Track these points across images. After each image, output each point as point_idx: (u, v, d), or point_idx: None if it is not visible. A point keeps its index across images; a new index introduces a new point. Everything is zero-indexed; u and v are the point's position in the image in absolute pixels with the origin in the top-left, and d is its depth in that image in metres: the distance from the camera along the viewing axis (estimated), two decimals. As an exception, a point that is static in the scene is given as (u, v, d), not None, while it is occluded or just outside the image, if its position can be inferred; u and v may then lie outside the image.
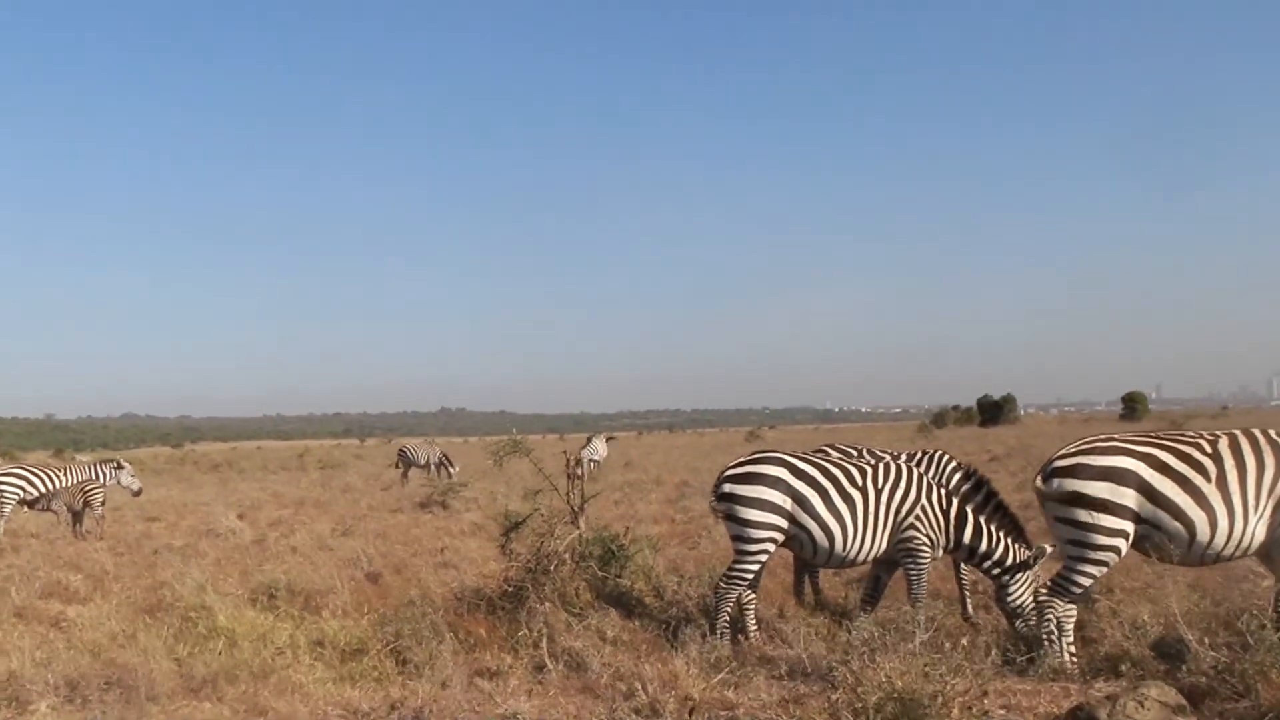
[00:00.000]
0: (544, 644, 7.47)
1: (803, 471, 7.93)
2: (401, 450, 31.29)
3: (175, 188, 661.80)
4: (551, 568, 8.58)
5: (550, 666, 7.18)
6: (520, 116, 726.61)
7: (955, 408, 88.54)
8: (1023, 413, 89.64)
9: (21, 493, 18.86)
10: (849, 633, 7.43)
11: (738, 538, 7.95)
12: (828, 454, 9.15)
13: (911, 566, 7.98)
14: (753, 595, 8.08)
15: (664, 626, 8.26)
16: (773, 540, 7.89)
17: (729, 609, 7.92)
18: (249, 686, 6.51)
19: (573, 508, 9.15)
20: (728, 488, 7.99)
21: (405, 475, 30.12)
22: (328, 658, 8.18)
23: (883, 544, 7.98)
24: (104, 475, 20.15)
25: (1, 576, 12.96)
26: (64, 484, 19.29)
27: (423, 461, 30.58)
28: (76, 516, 18.59)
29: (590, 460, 28.67)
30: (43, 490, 18.93)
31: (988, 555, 8.02)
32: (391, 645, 8.11)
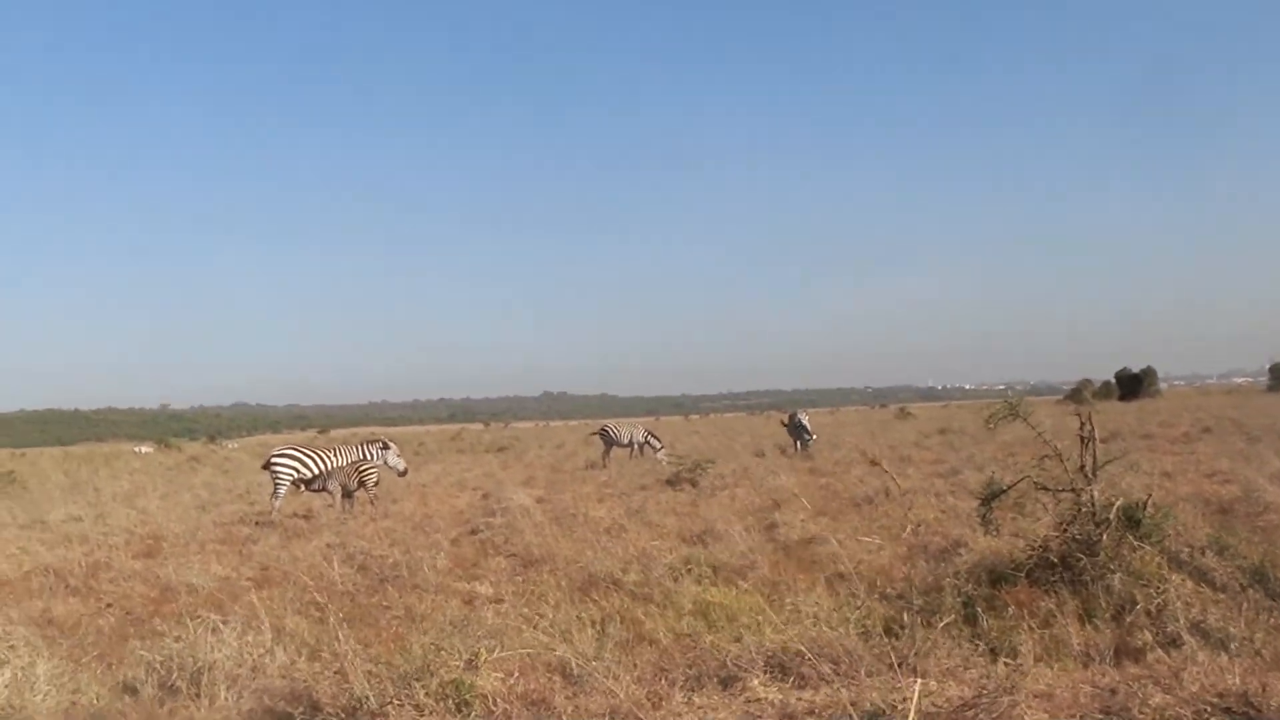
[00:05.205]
0: (1178, 619, 6.77)
1: None
2: (604, 430, 30.98)
3: (276, 177, 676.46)
4: (1102, 536, 7.88)
5: (1189, 642, 6.48)
6: (612, 92, 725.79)
7: (1088, 381, 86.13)
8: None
9: (296, 473, 18.84)
10: None
11: None
12: None
13: None
14: None
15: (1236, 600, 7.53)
16: None
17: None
18: (938, 662, 5.94)
19: (1086, 474, 8.45)
20: None
21: (607, 455, 29.81)
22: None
23: None
24: (373, 455, 20.06)
25: (373, 557, 12.69)
26: (337, 464, 19.23)
27: (625, 441, 30.25)
28: (348, 496, 18.48)
29: (806, 436, 28.06)
30: (317, 471, 18.88)
31: None
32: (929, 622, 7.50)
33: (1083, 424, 8.61)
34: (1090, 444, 8.55)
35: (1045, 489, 8.82)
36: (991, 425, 9.08)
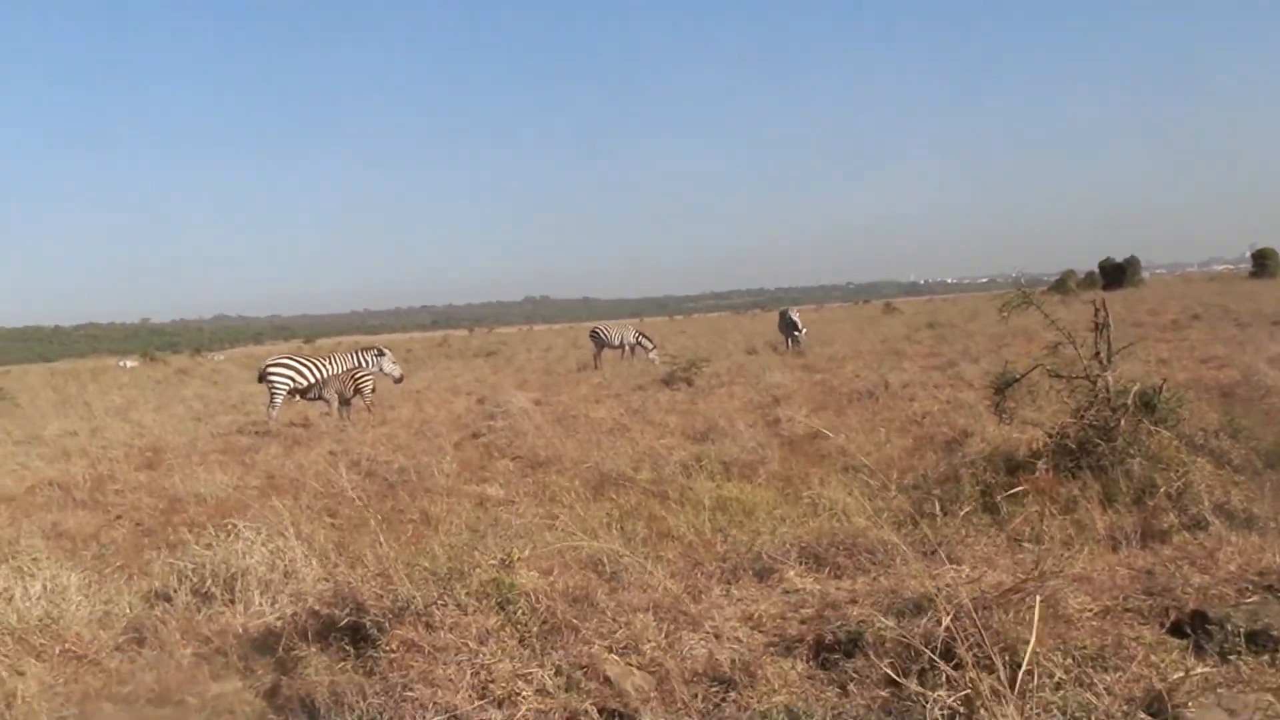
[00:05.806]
0: (1201, 501, 6.80)
1: None
2: (594, 332, 30.91)
3: (254, 89, 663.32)
4: (1119, 421, 7.88)
5: (1215, 524, 6.51)
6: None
7: (1072, 272, 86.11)
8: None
9: (292, 382, 18.73)
10: None
11: None
12: None
13: None
14: None
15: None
16: None
17: None
18: (971, 549, 5.96)
19: (1100, 360, 8.42)
20: None
21: (599, 357, 29.77)
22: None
23: None
24: (368, 362, 19.94)
25: (379, 463, 12.64)
26: (332, 372, 19.11)
27: (617, 342, 30.17)
28: (345, 404, 18.41)
29: (797, 333, 28.08)
30: (313, 379, 18.77)
31: None
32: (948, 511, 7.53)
33: (1097, 310, 8.56)
34: (1105, 330, 8.51)
35: (1059, 376, 8.80)
36: (1005, 314, 9.02)
